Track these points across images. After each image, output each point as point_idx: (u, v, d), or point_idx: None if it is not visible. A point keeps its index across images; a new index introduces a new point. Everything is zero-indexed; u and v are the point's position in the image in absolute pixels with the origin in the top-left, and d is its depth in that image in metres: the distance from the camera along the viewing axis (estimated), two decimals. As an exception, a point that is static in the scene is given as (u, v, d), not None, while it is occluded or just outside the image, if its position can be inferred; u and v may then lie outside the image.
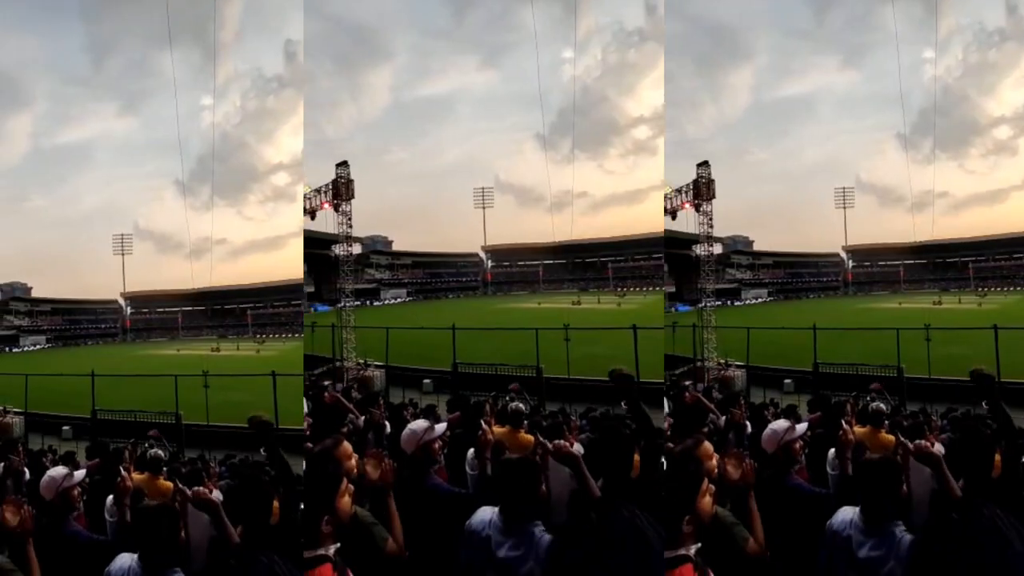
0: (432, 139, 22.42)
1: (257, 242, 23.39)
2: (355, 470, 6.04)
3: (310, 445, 7.28)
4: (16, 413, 14.66)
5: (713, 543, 5.00)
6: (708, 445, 6.52)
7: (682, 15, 19.92)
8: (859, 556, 5.47)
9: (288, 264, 22.25)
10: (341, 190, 14.94)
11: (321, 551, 4.94)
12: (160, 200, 22.63)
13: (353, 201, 15.13)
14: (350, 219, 15.28)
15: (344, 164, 15.00)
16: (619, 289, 21.80)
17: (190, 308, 24.00)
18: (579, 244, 22.15)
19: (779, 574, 5.84)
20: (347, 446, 7.07)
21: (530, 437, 7.39)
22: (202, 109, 19.52)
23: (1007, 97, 26.21)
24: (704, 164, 15.07)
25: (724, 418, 7.78)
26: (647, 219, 21.84)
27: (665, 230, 16.21)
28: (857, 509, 5.53)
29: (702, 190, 14.98)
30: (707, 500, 5.10)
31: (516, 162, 22.88)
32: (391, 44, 21.44)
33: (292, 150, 21.84)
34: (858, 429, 7.29)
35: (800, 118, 24.34)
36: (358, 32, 21.08)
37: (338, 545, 5.01)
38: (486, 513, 5.53)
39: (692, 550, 4.89)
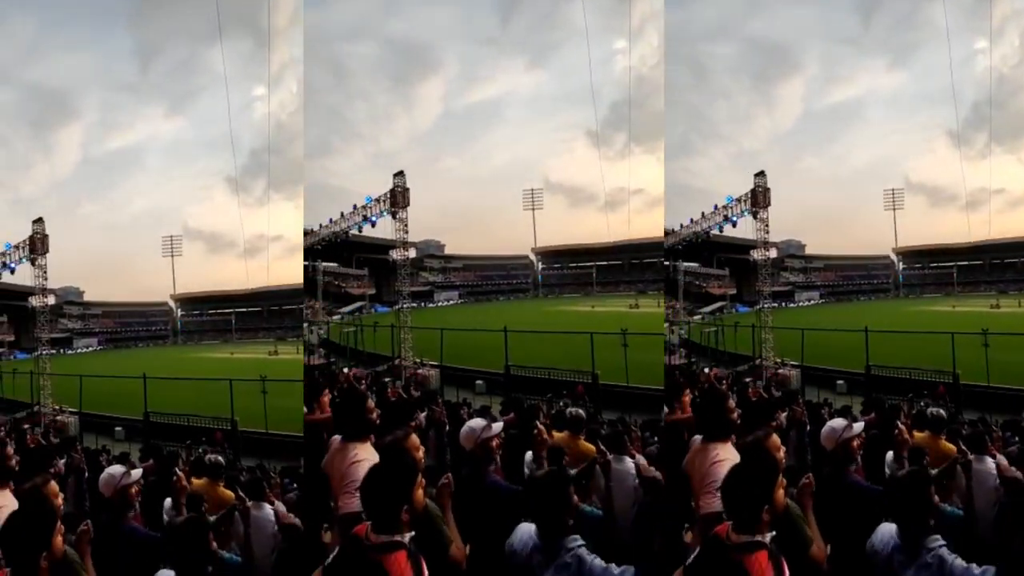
0: (481, 144, 22.62)
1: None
2: (422, 463, 6.21)
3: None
4: (71, 413, 15.00)
5: (780, 537, 5.02)
6: (776, 438, 6.68)
7: (738, 36, 20.31)
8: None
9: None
10: (398, 198, 15.72)
11: (397, 537, 4.93)
12: (210, 199, 22.59)
13: (409, 208, 15.83)
14: (406, 225, 15.91)
15: (400, 174, 15.72)
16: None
17: (244, 309, 23.62)
18: (635, 244, 21.92)
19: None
20: (415, 438, 7.30)
21: (591, 446, 7.58)
22: (254, 100, 19.53)
23: (1066, 82, 25.11)
24: (760, 174, 16.02)
25: (785, 415, 7.90)
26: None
27: (725, 236, 16.98)
28: (895, 527, 5.60)
29: (759, 198, 15.97)
30: (781, 492, 5.17)
31: (566, 161, 22.91)
32: (441, 56, 21.75)
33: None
34: (916, 434, 7.35)
35: (849, 123, 24.26)
36: (410, 50, 21.44)
37: (413, 534, 5.01)
38: (525, 531, 5.62)
39: (767, 537, 4.93)
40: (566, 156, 23.26)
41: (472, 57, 22.21)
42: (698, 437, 6.85)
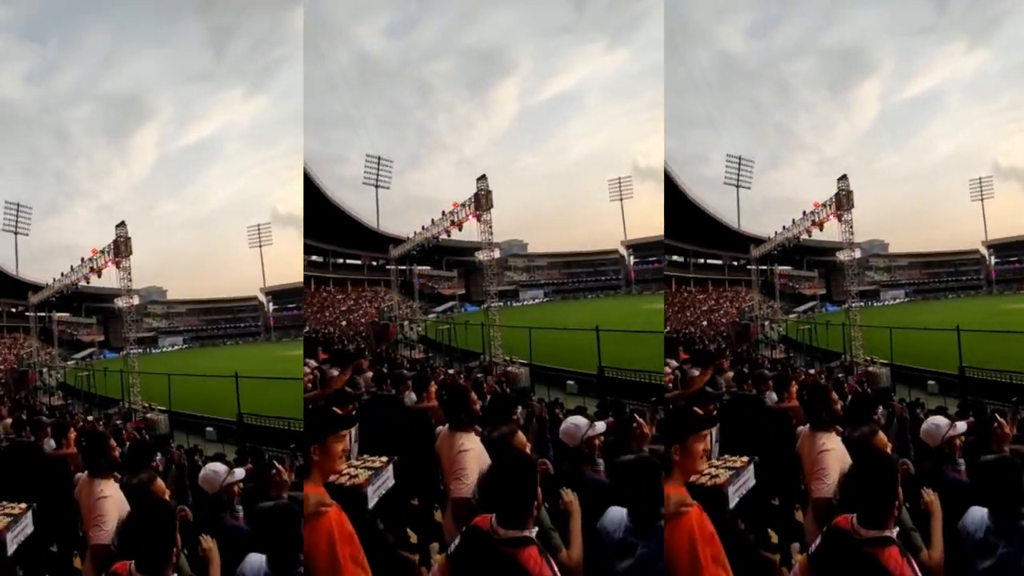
0: (559, 138, 22.73)
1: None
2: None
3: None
4: (160, 411, 15.39)
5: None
6: (882, 435, 6.87)
7: (814, 48, 20.48)
8: (996, 554, 5.69)
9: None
10: (482, 202, 16.18)
11: (526, 533, 4.90)
12: (297, 180, 22.01)
13: (492, 210, 16.31)
14: (491, 227, 16.41)
15: (483, 178, 16.16)
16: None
17: None
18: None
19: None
20: (521, 435, 7.60)
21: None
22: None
23: None
24: (843, 178, 16.45)
25: (884, 411, 8.02)
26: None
27: (814, 240, 17.45)
28: (986, 509, 5.72)
29: (842, 202, 16.43)
30: (899, 490, 5.08)
31: (653, 145, 22.48)
32: (515, 55, 21.98)
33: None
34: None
35: (929, 114, 23.75)
36: (485, 56, 21.78)
37: (537, 529, 5.00)
38: (616, 514, 5.87)
39: (894, 532, 4.91)
40: (652, 139, 22.88)
41: (545, 50, 22.16)
42: (806, 426, 7.09)
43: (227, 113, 22.75)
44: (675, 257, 18.77)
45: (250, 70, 22.40)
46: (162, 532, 5.12)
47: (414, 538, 7.39)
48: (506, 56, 21.99)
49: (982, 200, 23.97)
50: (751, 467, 6.47)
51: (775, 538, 6.89)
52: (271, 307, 23.30)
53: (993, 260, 24.51)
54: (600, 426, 7.29)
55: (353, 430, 6.26)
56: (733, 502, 6.42)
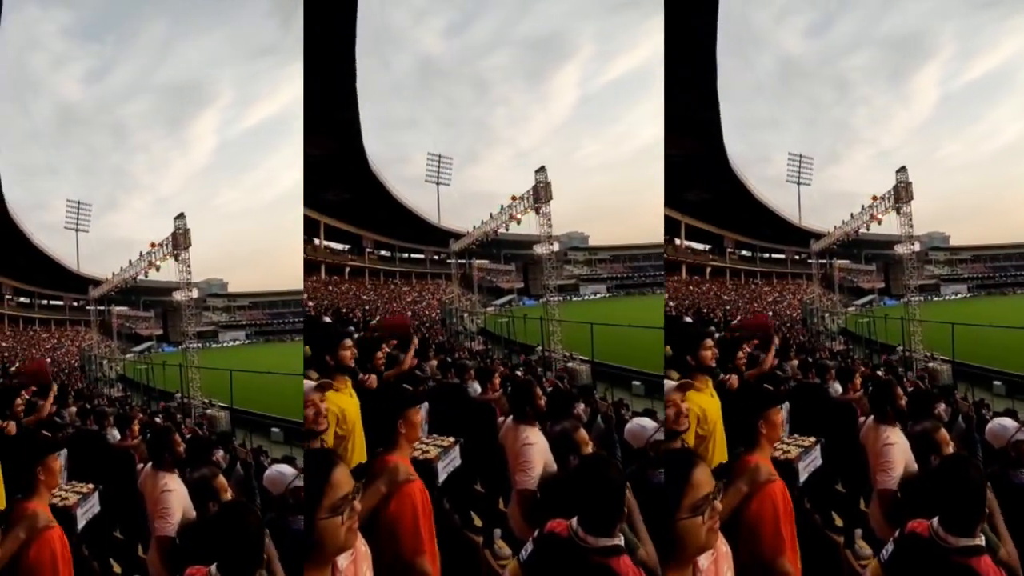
0: (623, 125, 22.52)
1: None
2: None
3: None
4: (221, 407, 15.10)
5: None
6: (944, 432, 6.93)
7: (871, 40, 20.26)
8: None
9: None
10: (540, 194, 16.10)
11: (616, 541, 4.75)
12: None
13: (552, 203, 16.19)
14: (550, 220, 16.30)
15: (542, 169, 16.09)
16: None
17: None
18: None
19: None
20: (583, 432, 7.76)
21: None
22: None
23: None
24: (902, 170, 16.22)
25: (947, 408, 8.05)
26: None
27: (872, 234, 17.24)
28: None
29: (901, 194, 16.17)
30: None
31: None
32: (574, 41, 21.90)
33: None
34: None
35: (993, 96, 22.85)
36: (541, 44, 21.68)
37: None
38: None
39: (982, 539, 4.72)
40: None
41: (607, 32, 21.80)
42: (871, 416, 7.21)
43: (293, 87, 21.55)
44: (743, 252, 18.91)
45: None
46: (253, 541, 4.93)
47: (478, 522, 7.62)
48: (564, 43, 21.81)
49: None
50: (818, 447, 6.65)
51: (839, 522, 7.01)
52: None
53: None
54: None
55: (423, 410, 6.52)
56: (803, 477, 6.58)
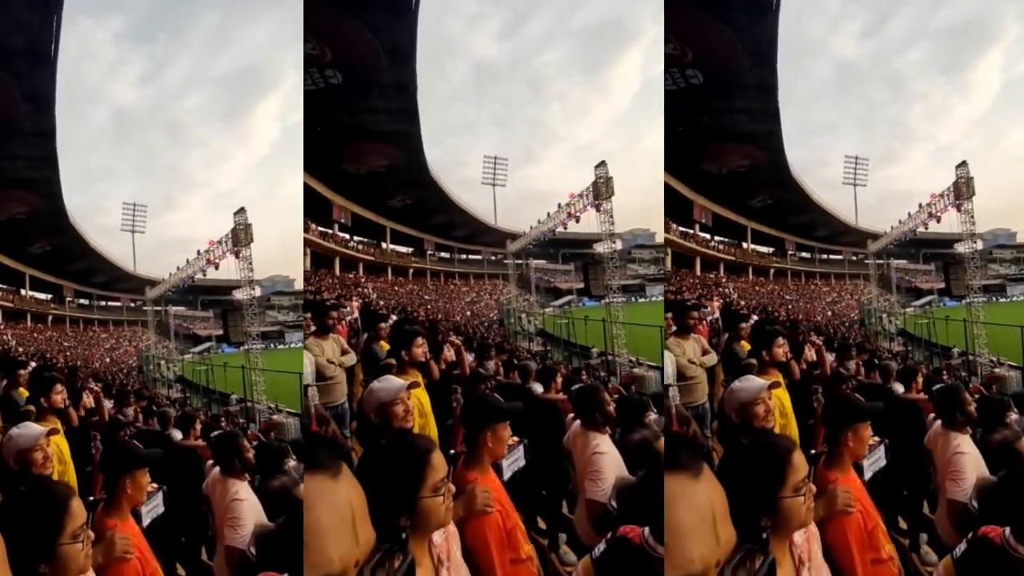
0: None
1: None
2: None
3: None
4: (289, 413, 14.66)
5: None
6: None
7: (925, 34, 20.06)
8: None
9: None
10: (600, 190, 15.57)
11: None
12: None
13: (614, 198, 15.66)
14: (611, 216, 15.89)
15: (602, 164, 15.55)
16: None
17: None
18: None
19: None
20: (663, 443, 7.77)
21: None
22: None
23: None
24: (962, 164, 15.67)
25: (1019, 416, 8.00)
26: None
27: (931, 233, 17.07)
28: None
29: (961, 190, 15.65)
30: None
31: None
32: (637, 26, 21.69)
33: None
34: None
35: None
36: (600, 33, 21.52)
37: None
38: None
39: None
40: None
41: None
42: (938, 421, 7.20)
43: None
44: (803, 254, 18.96)
45: None
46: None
47: (542, 524, 7.70)
48: (624, 30, 21.60)
49: None
50: (882, 447, 6.69)
51: (903, 524, 7.03)
52: None
53: None
54: None
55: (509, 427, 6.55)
56: (868, 475, 6.63)
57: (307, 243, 16.69)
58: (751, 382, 6.91)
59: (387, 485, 4.68)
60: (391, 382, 7.00)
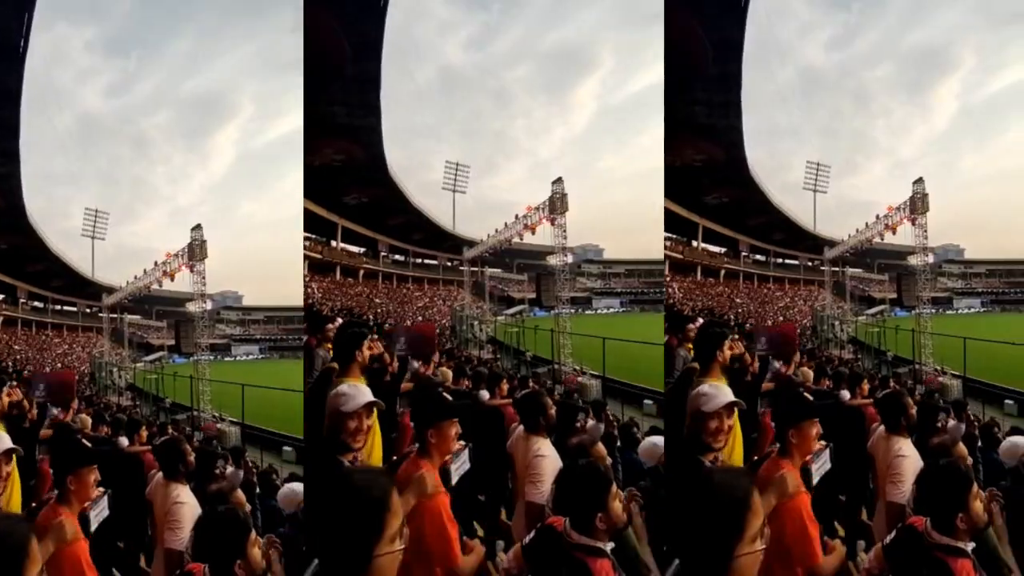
0: (645, 137, 22.73)
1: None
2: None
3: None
4: (231, 422, 15.09)
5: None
6: (963, 446, 6.97)
7: (893, 53, 20.35)
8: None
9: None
10: (556, 205, 16.07)
11: (599, 544, 5.20)
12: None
13: (568, 214, 16.12)
14: (565, 231, 16.29)
15: (559, 181, 16.04)
16: None
17: None
18: None
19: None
20: (602, 447, 7.80)
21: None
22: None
23: None
24: (919, 181, 16.33)
25: (953, 422, 8.06)
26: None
27: (886, 244, 17.36)
28: None
29: (917, 205, 16.27)
30: (978, 504, 5.23)
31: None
32: (596, 56, 22.08)
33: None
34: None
35: (1014, 110, 22.93)
36: (565, 58, 21.83)
37: (612, 545, 5.26)
38: None
39: (969, 547, 5.05)
40: None
41: (627, 49, 22.08)
42: (882, 427, 7.21)
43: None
44: (757, 256, 19.08)
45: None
46: (233, 537, 5.44)
47: (480, 531, 7.62)
48: (586, 54, 22.03)
49: None
50: (827, 451, 6.70)
51: (841, 531, 7.04)
52: None
53: None
54: None
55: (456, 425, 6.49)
56: (816, 479, 6.66)
57: (251, 234, 16.80)
58: (717, 395, 6.89)
59: (339, 540, 4.48)
60: (356, 397, 6.89)
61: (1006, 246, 24.23)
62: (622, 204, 21.71)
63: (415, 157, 20.44)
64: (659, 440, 7.81)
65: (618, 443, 9.20)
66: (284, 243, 23.03)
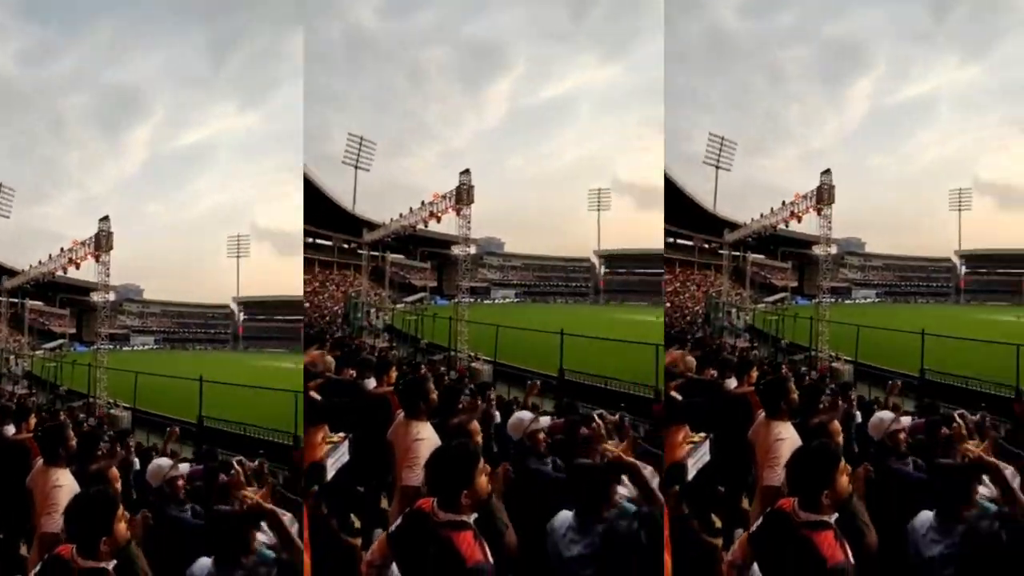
0: (552, 143, 22.76)
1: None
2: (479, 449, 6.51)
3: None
4: (124, 407, 15.30)
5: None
6: (837, 424, 7.05)
7: (812, 37, 20.42)
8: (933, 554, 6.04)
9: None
10: (463, 196, 16.04)
11: (464, 517, 5.22)
12: (280, 199, 22.57)
13: (473, 206, 16.19)
14: (469, 222, 16.31)
15: (466, 172, 16.03)
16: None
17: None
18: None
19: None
20: (476, 424, 7.71)
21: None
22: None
23: None
24: (827, 172, 16.44)
25: (843, 403, 8.18)
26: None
27: (791, 231, 17.36)
28: (933, 512, 6.10)
29: (824, 195, 16.41)
30: (844, 479, 5.34)
31: (637, 161, 22.99)
32: (511, 55, 21.98)
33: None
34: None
35: (918, 120, 23.73)
36: (481, 53, 21.71)
37: (476, 516, 5.29)
38: (564, 516, 6.20)
39: (832, 519, 5.18)
40: (639, 155, 23.26)
41: (542, 55, 22.18)
42: (762, 412, 7.19)
43: (222, 123, 22.86)
44: (649, 235, 18.66)
45: (248, 84, 22.51)
46: (99, 516, 5.39)
47: (358, 523, 7.46)
48: (503, 54, 22.01)
49: (959, 211, 24.09)
50: (707, 443, 6.68)
51: (719, 523, 6.99)
52: (242, 317, 23.53)
53: (964, 270, 24.59)
54: (544, 420, 7.88)
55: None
56: (691, 474, 6.65)
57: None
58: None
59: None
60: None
61: (902, 243, 25.28)
62: (527, 203, 21.93)
63: (312, 121, 20.13)
64: (524, 415, 7.87)
65: (495, 421, 9.18)
66: (184, 245, 23.36)
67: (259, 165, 23.77)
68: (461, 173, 16.06)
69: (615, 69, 23.51)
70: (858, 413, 9.13)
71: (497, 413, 9.51)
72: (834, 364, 14.19)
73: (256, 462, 8.37)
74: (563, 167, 23.22)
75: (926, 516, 6.14)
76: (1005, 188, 24.63)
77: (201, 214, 23.92)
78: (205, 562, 6.20)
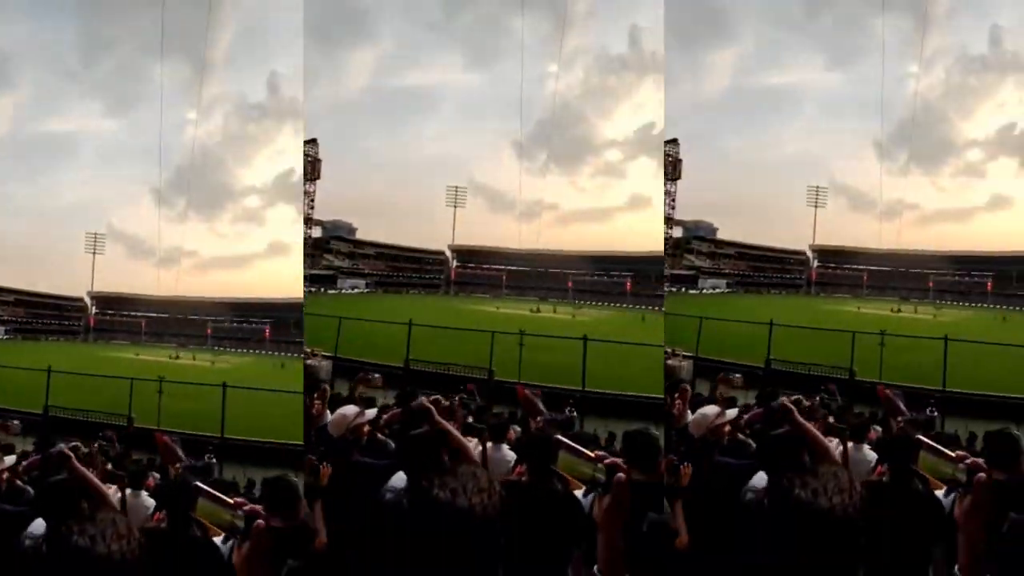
0: (411, 131, 22.35)
1: (224, 259, 23.62)
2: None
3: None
4: None
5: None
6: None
7: None
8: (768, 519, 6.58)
9: (250, 283, 22.24)
10: (307, 169, 14.79)
11: None
12: (136, 204, 23.14)
13: (319, 182, 15.03)
14: (313, 200, 15.00)
15: (313, 142, 14.72)
16: (576, 301, 22.68)
17: (155, 315, 23.84)
18: (544, 254, 22.64)
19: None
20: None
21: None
22: (186, 123, 20.29)
23: (983, 122, 26.54)
24: (673, 141, 14.85)
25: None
26: (612, 238, 22.18)
27: None
28: (766, 477, 6.71)
29: (668, 169, 14.82)
30: None
31: (492, 166, 22.98)
32: (377, 29, 21.44)
33: (265, 176, 22.15)
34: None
35: (780, 110, 24.06)
36: (347, 12, 21.13)
37: None
38: (399, 479, 6.93)
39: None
40: (493, 161, 23.26)
41: (411, 40, 21.76)
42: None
43: (86, 120, 23.28)
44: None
45: (113, 91, 22.69)
46: None
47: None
48: (367, 26, 21.66)
49: (815, 207, 25.27)
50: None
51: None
52: (94, 310, 24.51)
53: (816, 263, 25.95)
54: (370, 413, 8.01)
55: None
56: None
57: None
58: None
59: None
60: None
61: (755, 233, 25.87)
62: (382, 187, 21.47)
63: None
64: (347, 410, 8.01)
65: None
66: (40, 233, 23.18)
67: (118, 171, 23.65)
68: (307, 142, 14.78)
69: (479, 75, 23.38)
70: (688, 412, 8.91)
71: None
72: (669, 361, 13.71)
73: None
74: (424, 160, 22.99)
75: (760, 480, 6.74)
76: (857, 193, 25.83)
77: (61, 206, 23.64)
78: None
